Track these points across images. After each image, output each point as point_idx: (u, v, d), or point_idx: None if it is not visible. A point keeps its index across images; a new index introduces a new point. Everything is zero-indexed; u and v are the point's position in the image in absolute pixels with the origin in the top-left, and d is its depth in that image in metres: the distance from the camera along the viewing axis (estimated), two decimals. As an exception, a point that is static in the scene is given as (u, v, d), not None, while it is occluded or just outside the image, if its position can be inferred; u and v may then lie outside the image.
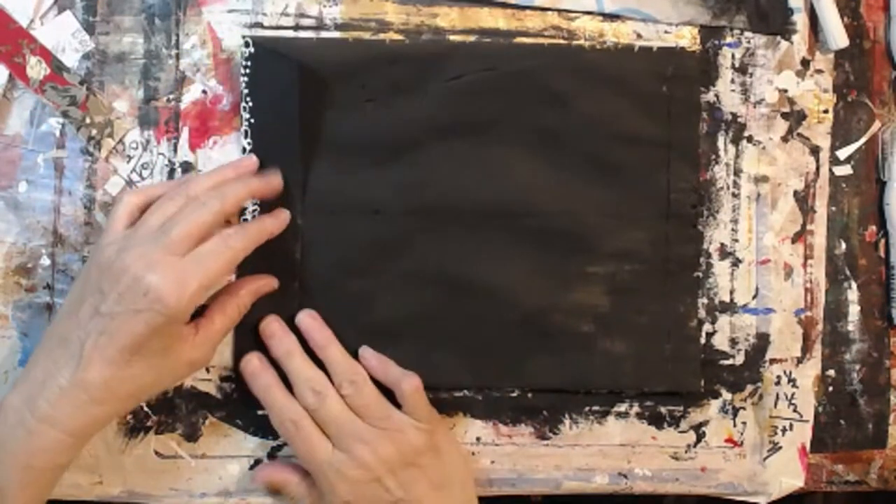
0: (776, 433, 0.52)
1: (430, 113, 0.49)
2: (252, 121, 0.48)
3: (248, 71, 0.48)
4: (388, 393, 0.47)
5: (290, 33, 0.49)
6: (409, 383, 0.46)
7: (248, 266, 0.48)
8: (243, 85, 0.48)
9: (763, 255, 0.52)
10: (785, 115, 0.52)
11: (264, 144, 0.48)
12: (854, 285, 0.53)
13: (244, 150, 0.48)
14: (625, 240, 0.51)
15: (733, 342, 0.52)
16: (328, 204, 0.49)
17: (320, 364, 0.47)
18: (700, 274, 0.52)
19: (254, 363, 0.47)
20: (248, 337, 0.48)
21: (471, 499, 0.48)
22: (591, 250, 0.50)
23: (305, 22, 0.50)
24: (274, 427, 0.47)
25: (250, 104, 0.48)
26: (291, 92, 0.48)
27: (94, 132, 0.48)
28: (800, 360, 0.53)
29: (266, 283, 0.47)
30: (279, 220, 0.47)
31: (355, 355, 0.48)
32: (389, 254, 0.49)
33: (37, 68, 0.47)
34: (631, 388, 0.51)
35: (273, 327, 0.47)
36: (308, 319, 0.48)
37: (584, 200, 0.50)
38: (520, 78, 0.50)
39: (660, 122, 0.51)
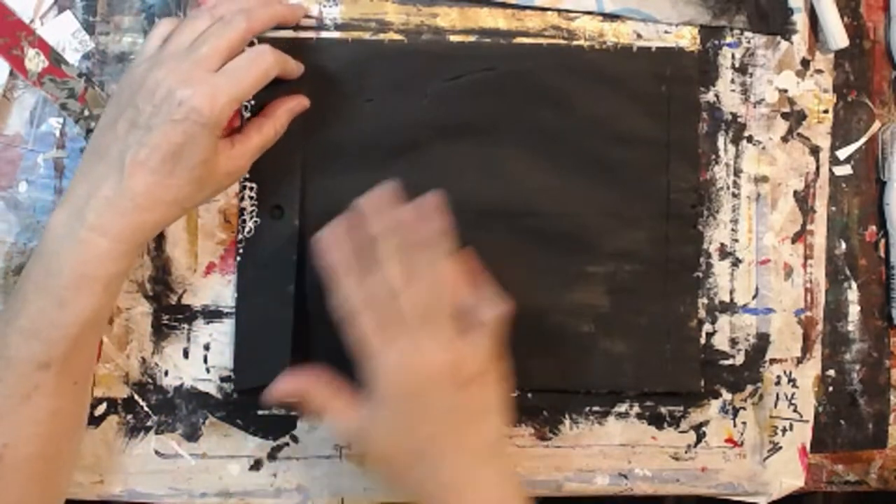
0: (776, 433, 0.52)
1: (430, 113, 0.49)
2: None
3: None
4: None
5: (290, 33, 0.49)
6: (496, 307, 0.43)
7: (246, 266, 0.48)
8: None
9: (763, 255, 0.52)
10: (785, 115, 0.52)
11: None
12: (854, 285, 0.53)
13: None
14: (625, 240, 0.51)
15: (733, 342, 0.52)
16: (327, 204, 0.49)
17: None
18: (700, 274, 0.52)
19: (338, 231, 0.44)
20: (249, 340, 0.48)
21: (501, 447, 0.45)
22: (590, 250, 0.50)
23: (305, 22, 0.49)
24: (337, 306, 0.43)
25: (251, 103, 0.48)
26: (292, 92, 0.48)
27: (92, 125, 0.48)
28: (800, 360, 0.53)
29: (299, 103, 0.47)
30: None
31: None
32: None
33: (35, 61, 0.47)
34: (631, 388, 0.51)
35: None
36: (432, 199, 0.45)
37: (584, 200, 0.50)
38: (519, 78, 0.50)
39: (659, 122, 0.51)
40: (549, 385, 0.51)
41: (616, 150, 0.50)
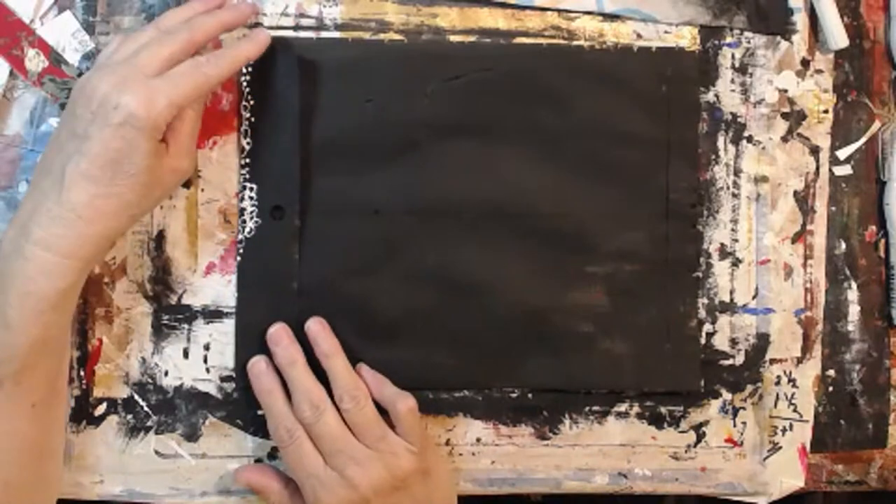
0: (776, 433, 0.52)
1: (430, 113, 0.49)
2: (252, 119, 0.48)
3: (248, 70, 0.48)
4: (382, 413, 0.47)
5: (290, 33, 0.49)
6: (404, 403, 0.46)
7: (247, 266, 0.49)
8: (244, 84, 0.48)
9: (763, 255, 0.52)
10: (785, 115, 0.52)
11: (264, 144, 0.49)
12: (854, 285, 0.53)
13: (243, 150, 0.49)
14: (624, 240, 0.51)
15: (733, 342, 0.52)
16: (327, 204, 0.49)
17: (323, 376, 0.47)
18: (700, 274, 0.52)
19: (260, 365, 0.47)
20: (250, 340, 0.48)
21: None
22: (590, 250, 0.50)
23: (305, 22, 0.50)
24: (270, 433, 0.47)
25: (251, 103, 0.48)
26: (291, 92, 0.48)
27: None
28: (800, 360, 0.53)
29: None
30: (256, 43, 0.45)
31: (354, 359, 0.48)
32: (389, 254, 0.49)
33: (35, 61, 0.47)
34: (631, 387, 0.51)
35: (280, 334, 0.47)
36: (317, 327, 0.48)
37: (584, 201, 0.50)
38: (519, 78, 0.50)
39: (659, 122, 0.51)
40: (548, 385, 0.51)
41: (615, 150, 0.50)
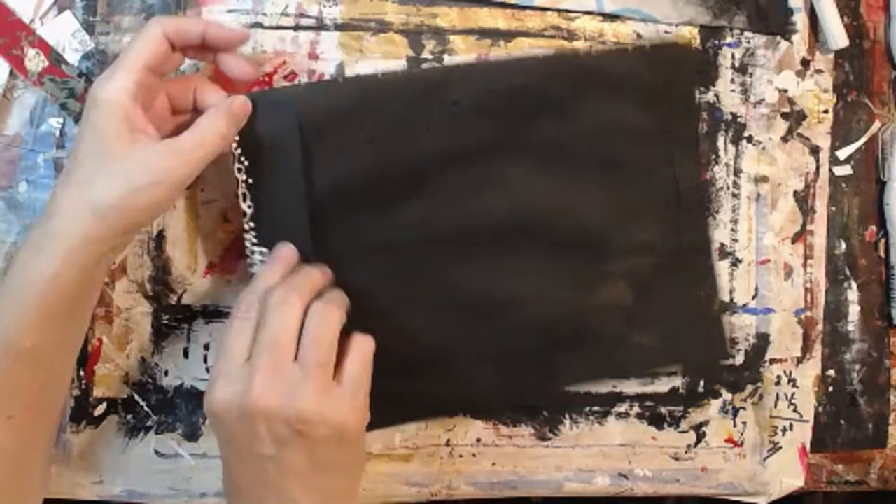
0: (776, 433, 0.52)
1: (434, 143, 0.48)
2: (250, 181, 0.45)
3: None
4: None
5: (291, 33, 0.49)
6: (364, 341, 0.42)
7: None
8: (234, 146, 0.45)
9: (763, 255, 0.52)
10: (785, 115, 0.52)
11: (267, 205, 0.46)
12: (854, 285, 0.53)
13: (244, 214, 0.46)
14: (639, 235, 0.50)
15: (733, 342, 0.52)
16: (340, 252, 0.47)
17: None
18: (714, 258, 0.52)
19: (289, 249, 0.45)
20: None
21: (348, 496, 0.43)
22: (608, 250, 0.50)
23: (305, 22, 0.49)
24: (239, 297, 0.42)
25: (246, 164, 0.45)
26: (290, 146, 0.46)
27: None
28: (800, 360, 0.53)
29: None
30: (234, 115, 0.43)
31: (393, 396, 0.44)
32: (411, 289, 0.49)
33: (35, 61, 0.47)
34: (663, 369, 0.52)
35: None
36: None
37: (595, 203, 0.50)
38: (517, 93, 0.49)
39: (659, 116, 0.50)
40: (580, 381, 0.51)
41: (620, 149, 0.50)
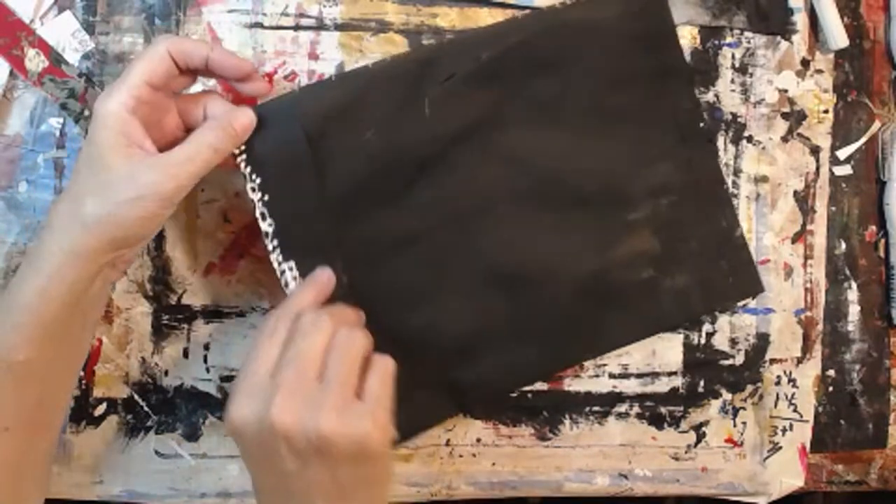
0: (776, 433, 0.52)
1: (434, 123, 0.48)
2: (266, 198, 0.45)
3: (242, 149, 0.44)
4: None
5: (291, 33, 0.49)
6: (386, 362, 0.41)
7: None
8: (243, 165, 0.44)
9: (763, 255, 0.52)
10: (785, 115, 0.52)
11: (288, 218, 0.45)
12: (854, 285, 0.53)
13: (266, 234, 0.45)
14: (652, 177, 0.50)
15: (733, 342, 0.52)
16: (366, 248, 0.47)
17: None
18: (729, 186, 0.52)
19: (327, 274, 0.45)
20: None
21: None
22: (625, 199, 0.50)
23: (305, 22, 0.49)
24: (268, 315, 0.43)
25: (258, 181, 0.44)
26: (299, 154, 0.45)
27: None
28: (800, 360, 0.53)
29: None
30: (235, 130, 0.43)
31: (441, 385, 0.47)
32: (440, 274, 0.48)
33: (35, 61, 0.47)
34: (704, 313, 0.52)
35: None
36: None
37: (604, 153, 0.50)
38: (507, 58, 0.49)
39: (647, 56, 0.50)
40: (628, 340, 0.51)
41: (617, 95, 0.50)
